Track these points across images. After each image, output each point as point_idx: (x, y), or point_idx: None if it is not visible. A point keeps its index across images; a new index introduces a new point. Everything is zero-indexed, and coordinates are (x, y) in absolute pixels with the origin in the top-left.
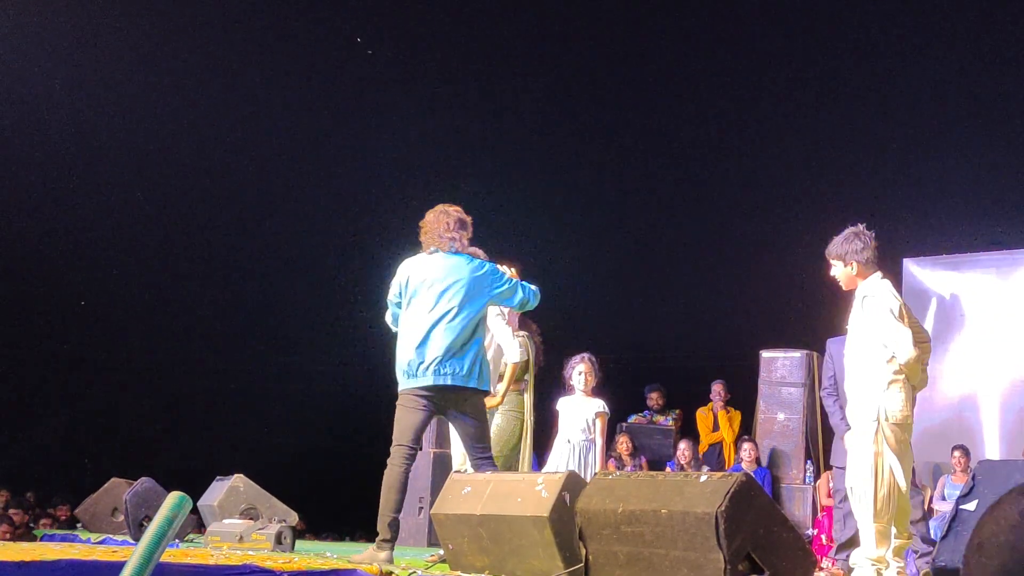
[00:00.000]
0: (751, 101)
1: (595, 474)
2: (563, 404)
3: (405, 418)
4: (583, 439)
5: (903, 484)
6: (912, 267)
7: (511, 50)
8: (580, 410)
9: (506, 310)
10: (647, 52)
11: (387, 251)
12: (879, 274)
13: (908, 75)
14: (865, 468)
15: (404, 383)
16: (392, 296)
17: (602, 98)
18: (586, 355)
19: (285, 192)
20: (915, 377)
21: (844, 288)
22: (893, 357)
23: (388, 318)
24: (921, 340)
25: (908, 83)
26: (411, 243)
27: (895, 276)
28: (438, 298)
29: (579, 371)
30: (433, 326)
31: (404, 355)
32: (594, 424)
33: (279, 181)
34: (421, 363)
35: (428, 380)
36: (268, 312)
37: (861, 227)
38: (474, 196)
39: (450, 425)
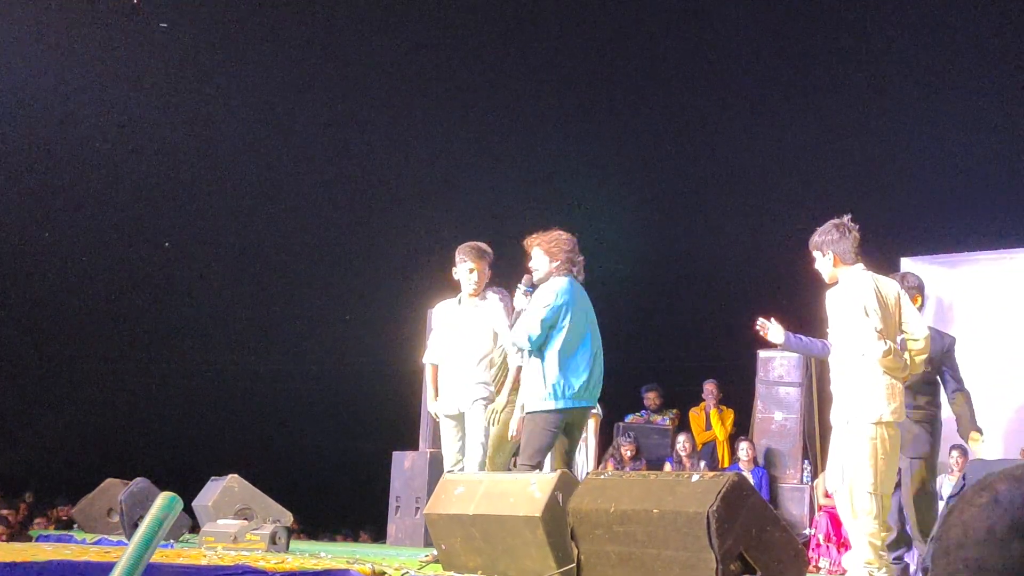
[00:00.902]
0: (744, 97)
1: (587, 474)
2: None
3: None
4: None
5: (886, 483)
6: (909, 265)
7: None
8: None
9: (504, 310)
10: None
11: (380, 251)
12: (860, 266)
13: (905, 70)
14: (850, 468)
15: (569, 403)
16: (554, 319)
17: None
18: None
19: (279, 191)
20: (896, 371)
21: (826, 280)
22: (865, 355)
23: (529, 339)
24: (911, 337)
25: (905, 79)
26: (401, 243)
27: (890, 273)
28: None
29: None
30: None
31: (579, 377)
32: (586, 424)
33: (273, 178)
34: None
35: (592, 401)
36: (264, 313)
37: (844, 218)
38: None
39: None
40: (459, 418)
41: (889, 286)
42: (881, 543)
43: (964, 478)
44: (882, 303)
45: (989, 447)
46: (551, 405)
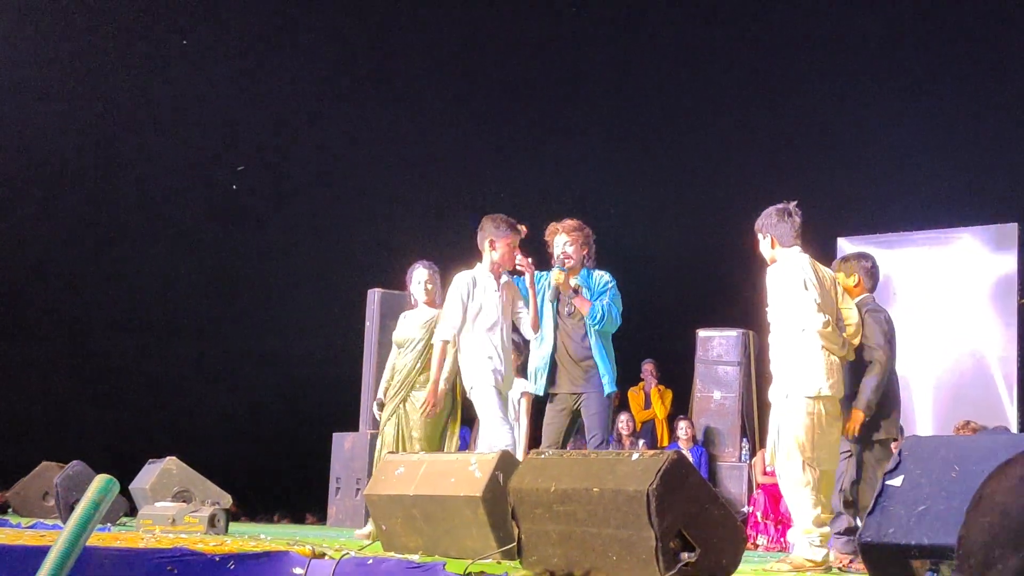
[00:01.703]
0: (679, 81)
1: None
2: None
3: None
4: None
5: (825, 457)
6: (846, 245)
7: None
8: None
9: (426, 288)
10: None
11: (320, 234)
12: (797, 248)
13: (841, 51)
14: (787, 441)
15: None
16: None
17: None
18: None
19: (216, 175)
20: (835, 347)
21: (767, 261)
22: (805, 329)
23: (615, 322)
24: (847, 322)
25: (841, 60)
26: (340, 226)
27: (828, 254)
28: None
29: None
30: None
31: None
32: (518, 404)
33: (211, 162)
34: None
35: None
36: (202, 294)
37: (790, 204)
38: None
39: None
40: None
41: (825, 270)
42: (820, 515)
43: (900, 454)
44: (820, 280)
45: (924, 424)
46: (609, 389)
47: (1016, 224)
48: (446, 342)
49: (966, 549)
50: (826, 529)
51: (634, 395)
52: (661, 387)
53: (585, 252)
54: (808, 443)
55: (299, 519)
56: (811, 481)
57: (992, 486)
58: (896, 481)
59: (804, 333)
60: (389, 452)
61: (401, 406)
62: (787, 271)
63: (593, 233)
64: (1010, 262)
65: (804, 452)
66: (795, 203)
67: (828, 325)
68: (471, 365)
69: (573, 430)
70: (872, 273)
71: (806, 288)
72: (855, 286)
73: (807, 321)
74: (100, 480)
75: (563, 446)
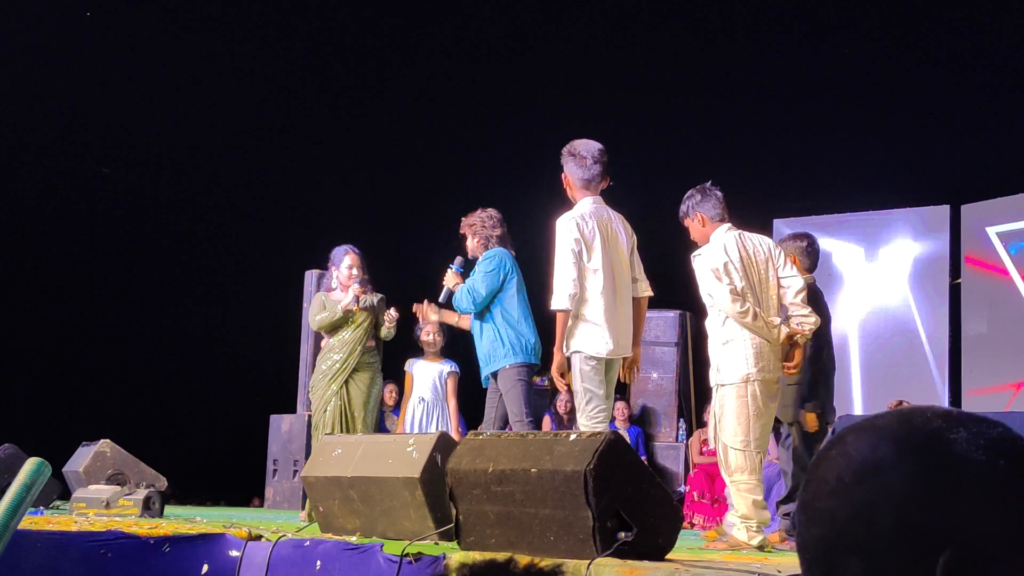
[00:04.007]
0: (604, 61)
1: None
2: (414, 365)
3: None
4: (434, 398)
5: (758, 440)
6: (782, 227)
7: None
8: (430, 371)
9: (351, 273)
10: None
11: (259, 212)
12: (726, 226)
13: (771, 35)
14: (721, 426)
15: (528, 358)
16: (496, 284)
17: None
18: None
19: (155, 147)
20: (762, 331)
21: (700, 244)
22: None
23: (473, 302)
24: (788, 291)
25: (773, 42)
26: (279, 204)
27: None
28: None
29: (427, 331)
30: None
31: (531, 336)
32: (445, 384)
33: (152, 135)
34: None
35: (538, 360)
36: (136, 271)
37: (707, 184)
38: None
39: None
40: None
41: (758, 242)
42: (758, 500)
43: (834, 433)
44: (747, 260)
45: (857, 404)
46: (513, 360)
47: (947, 206)
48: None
49: (807, 559)
50: (765, 515)
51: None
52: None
53: (477, 241)
54: (743, 429)
55: (238, 502)
56: (747, 467)
57: (811, 491)
58: None
59: (729, 320)
60: (326, 434)
61: (344, 387)
62: (706, 259)
63: (494, 218)
64: (942, 244)
65: (738, 438)
66: (710, 182)
67: (747, 314)
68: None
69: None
70: (809, 252)
71: (720, 278)
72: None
73: (721, 306)
74: (32, 463)
75: (501, 426)
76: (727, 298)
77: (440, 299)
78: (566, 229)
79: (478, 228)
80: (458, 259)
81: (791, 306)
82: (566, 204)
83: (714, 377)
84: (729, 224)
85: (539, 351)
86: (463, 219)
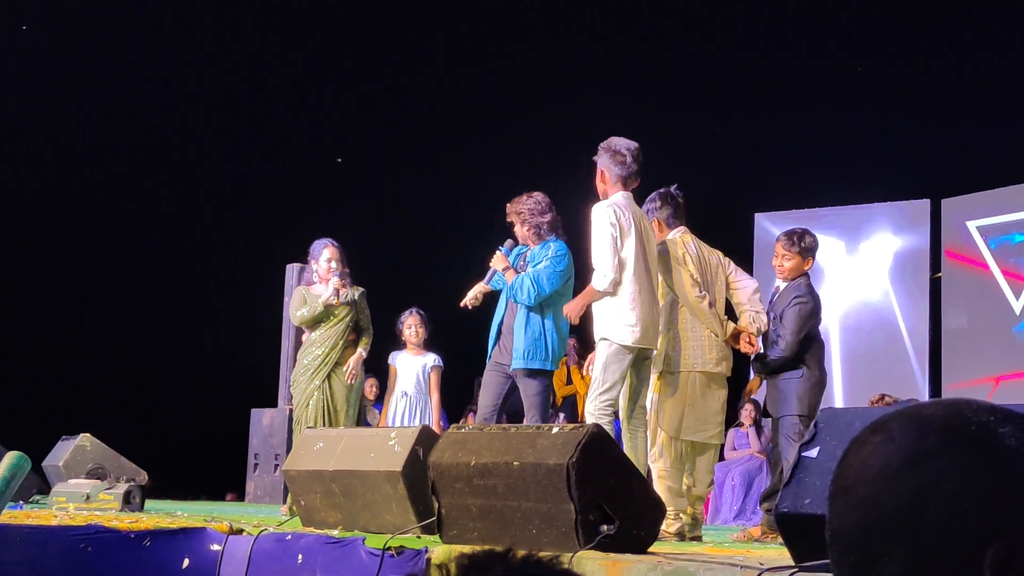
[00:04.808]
0: (587, 49)
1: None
2: (397, 358)
3: None
4: (416, 392)
5: (702, 429)
6: (763, 222)
7: None
8: (413, 364)
9: (330, 266)
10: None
11: (240, 205)
12: (682, 229)
13: (753, 29)
14: (660, 412)
15: (553, 367)
16: (563, 282)
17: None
18: (414, 309)
19: (139, 141)
20: (714, 325)
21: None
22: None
23: (530, 296)
24: (736, 288)
25: (754, 38)
26: (261, 197)
27: (745, 230)
28: None
29: (409, 325)
30: None
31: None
32: (428, 378)
33: (136, 129)
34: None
35: None
36: (117, 266)
37: (671, 188)
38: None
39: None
40: None
41: (709, 249)
42: (672, 487)
43: (816, 426)
44: (703, 260)
45: (837, 398)
46: (550, 366)
47: (928, 201)
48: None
49: (843, 545)
50: (682, 501)
51: (555, 371)
52: (583, 362)
53: (527, 229)
54: (677, 416)
55: (219, 496)
56: (670, 455)
57: (851, 475)
58: (812, 453)
59: (684, 310)
60: (308, 428)
61: (326, 381)
62: (667, 247)
63: (542, 203)
64: (922, 238)
65: (672, 424)
66: (675, 186)
67: (704, 299)
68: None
69: (511, 395)
70: (814, 250)
71: (682, 263)
72: (795, 265)
73: (684, 294)
74: (11, 456)
75: (500, 408)
76: (686, 283)
77: (485, 281)
78: (603, 215)
79: (526, 216)
80: (508, 242)
81: (748, 303)
82: (590, 198)
83: (662, 363)
84: (684, 228)
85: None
86: (508, 205)
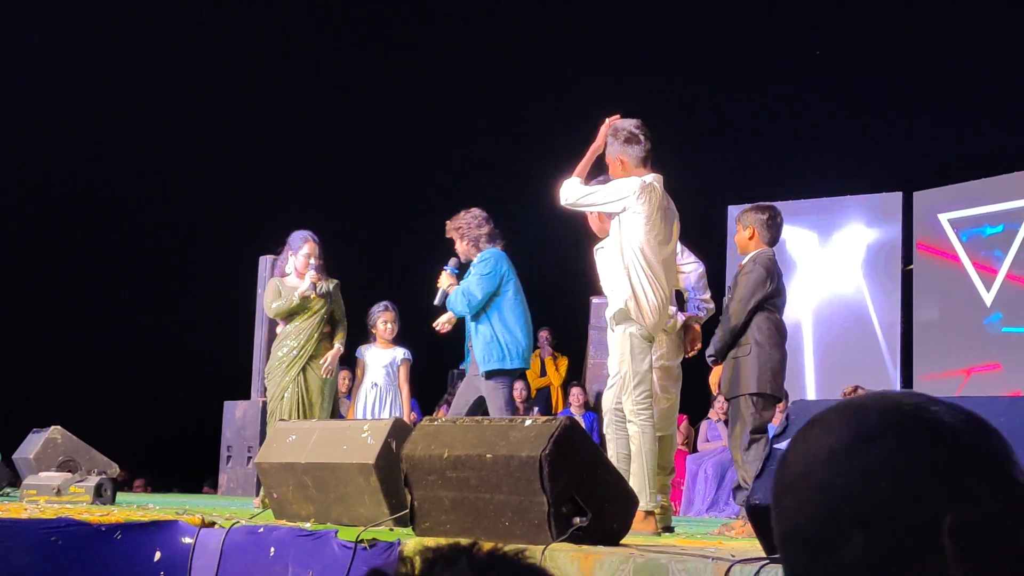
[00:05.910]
0: (558, 42)
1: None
2: (366, 353)
3: None
4: (387, 383)
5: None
6: (736, 213)
7: None
8: (382, 358)
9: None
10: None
11: (211, 195)
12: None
13: (726, 18)
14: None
15: (520, 363)
16: (494, 286)
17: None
18: (386, 303)
19: (108, 131)
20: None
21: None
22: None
23: (468, 305)
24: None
25: (726, 28)
26: (233, 186)
27: (718, 222)
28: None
29: (384, 320)
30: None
31: (526, 339)
32: (397, 371)
33: (105, 119)
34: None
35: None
36: (89, 255)
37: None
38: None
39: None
40: None
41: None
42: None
43: (788, 419)
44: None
45: (809, 389)
46: (508, 364)
47: (900, 193)
48: None
49: (796, 542)
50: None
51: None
52: (557, 354)
53: (467, 243)
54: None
55: (191, 488)
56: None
57: (797, 470)
58: (783, 444)
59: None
60: (281, 420)
61: (301, 374)
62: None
63: (479, 217)
64: (894, 230)
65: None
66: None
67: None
68: None
69: (482, 403)
70: (770, 226)
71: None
72: (749, 239)
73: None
74: None
75: (470, 414)
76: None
77: (435, 301)
78: (632, 184)
79: (464, 230)
80: (452, 260)
81: (694, 290)
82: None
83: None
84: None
85: (530, 355)
86: (447, 222)
